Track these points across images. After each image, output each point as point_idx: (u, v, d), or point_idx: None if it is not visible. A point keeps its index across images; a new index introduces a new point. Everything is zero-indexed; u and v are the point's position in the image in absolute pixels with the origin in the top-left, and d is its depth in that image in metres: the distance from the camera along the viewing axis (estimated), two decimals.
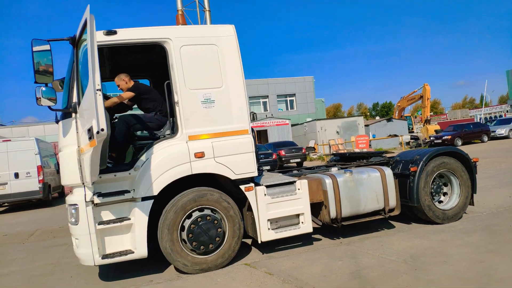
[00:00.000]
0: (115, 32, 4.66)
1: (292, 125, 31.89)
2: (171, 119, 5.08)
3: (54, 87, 5.87)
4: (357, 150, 19.43)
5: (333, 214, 5.48)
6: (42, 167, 14.34)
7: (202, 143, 4.86)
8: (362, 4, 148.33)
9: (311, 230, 5.32)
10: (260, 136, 29.09)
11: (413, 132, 38.65)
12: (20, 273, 5.76)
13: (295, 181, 5.32)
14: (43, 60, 4.16)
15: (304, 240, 5.80)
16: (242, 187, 5.02)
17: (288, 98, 41.96)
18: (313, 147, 26.33)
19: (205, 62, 4.98)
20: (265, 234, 5.08)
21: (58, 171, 17.18)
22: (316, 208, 5.58)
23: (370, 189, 5.67)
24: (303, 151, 20.43)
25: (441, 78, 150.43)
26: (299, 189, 5.28)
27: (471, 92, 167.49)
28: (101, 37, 4.57)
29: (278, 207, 5.14)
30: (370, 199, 5.66)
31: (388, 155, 6.91)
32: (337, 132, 28.15)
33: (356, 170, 5.79)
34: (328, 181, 5.49)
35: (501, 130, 27.49)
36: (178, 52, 4.85)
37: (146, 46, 5.13)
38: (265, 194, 5.08)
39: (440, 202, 6.20)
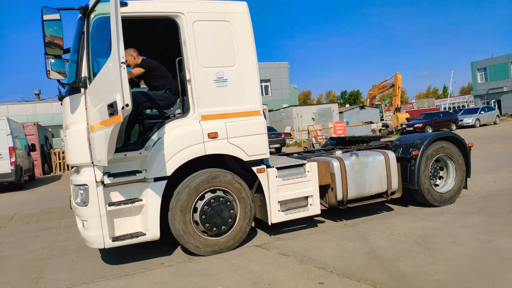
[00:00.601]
0: (125, 4, 4.39)
1: (269, 111, 31.90)
2: (182, 97, 4.90)
3: (47, 73, 5.60)
4: (340, 135, 19.72)
5: (339, 196, 5.53)
6: (14, 149, 13.65)
7: (215, 123, 4.74)
8: None
9: (319, 212, 5.36)
10: None
11: (383, 119, 39.65)
12: (13, 257, 5.47)
13: (304, 164, 5.31)
14: (53, 30, 3.89)
15: (308, 222, 5.84)
16: (254, 168, 4.96)
17: (263, 84, 41.84)
18: (289, 133, 26.49)
19: (218, 39, 4.83)
20: (276, 216, 5.06)
21: (29, 153, 16.43)
22: (322, 190, 5.61)
23: (375, 172, 5.75)
24: (282, 136, 20.51)
25: (407, 68, 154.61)
26: (308, 171, 5.28)
27: (434, 83, 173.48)
28: (105, 9, 4.29)
29: (288, 189, 5.13)
30: (375, 181, 5.75)
31: (385, 139, 7.02)
32: (313, 118, 28.42)
33: (361, 153, 5.86)
34: (335, 164, 5.52)
35: (468, 119, 28.70)
36: (191, 27, 4.66)
37: (155, 20, 4.89)
38: (276, 176, 5.05)
39: (436, 185, 6.38)
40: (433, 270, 3.73)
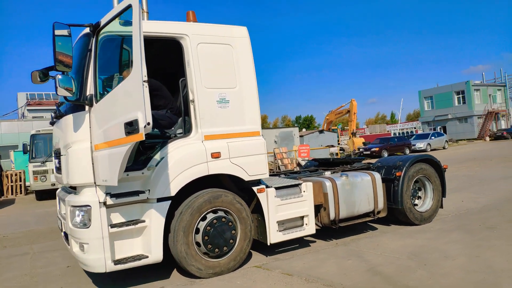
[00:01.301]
0: (129, 24, 4.40)
1: None
2: (184, 118, 4.90)
3: (33, 78, 5.42)
4: (299, 159, 20.17)
5: (332, 216, 5.69)
6: None
7: (218, 143, 4.78)
8: (287, 18, 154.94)
9: (314, 231, 5.47)
10: None
11: (339, 144, 41.02)
12: None
13: (300, 184, 5.44)
14: (63, 46, 3.82)
15: (299, 242, 5.92)
16: (255, 188, 5.02)
17: None
18: None
19: (221, 61, 4.93)
20: (274, 236, 5.11)
21: None
22: (315, 210, 5.73)
23: (363, 192, 5.99)
24: None
25: (356, 95, 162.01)
26: (304, 191, 5.42)
27: (382, 109, 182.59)
28: (114, 27, 4.29)
29: (286, 209, 5.22)
30: (363, 201, 5.99)
31: (365, 161, 7.35)
32: (275, 141, 28.84)
33: (350, 174, 6.09)
34: (328, 184, 5.70)
35: (420, 144, 30.43)
36: (195, 49, 4.74)
37: (157, 40, 4.92)
38: (275, 196, 5.13)
39: (415, 205, 6.73)
40: (436, 284, 3.94)
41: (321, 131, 36.52)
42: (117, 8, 3.81)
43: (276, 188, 5.20)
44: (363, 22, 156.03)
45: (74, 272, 5.38)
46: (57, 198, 5.56)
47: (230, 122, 4.91)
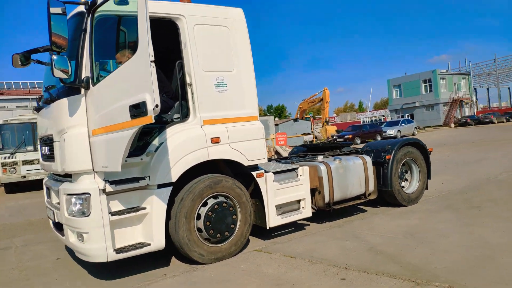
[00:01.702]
0: (126, 2, 4.21)
1: None
2: (180, 102, 4.77)
3: (14, 61, 5.15)
4: (277, 147, 20.26)
5: (327, 198, 5.74)
6: None
7: (217, 128, 4.69)
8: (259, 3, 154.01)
9: (311, 214, 5.52)
10: None
11: (312, 132, 41.53)
12: None
13: (297, 168, 5.45)
14: (59, 25, 3.61)
15: (293, 226, 5.95)
16: (254, 173, 4.98)
17: None
18: None
19: (217, 44, 4.82)
20: (273, 219, 5.11)
21: None
22: (310, 193, 5.77)
23: (355, 175, 6.08)
24: None
25: (324, 84, 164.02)
26: (301, 175, 5.43)
27: (350, 98, 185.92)
28: (111, 6, 4.10)
29: (284, 193, 5.22)
30: (355, 184, 6.07)
31: (354, 146, 7.46)
32: None
33: (343, 157, 6.15)
34: (323, 168, 5.73)
35: (391, 131, 31.27)
36: (192, 30, 4.60)
37: (152, 21, 4.73)
38: (273, 181, 5.11)
39: (402, 187, 6.90)
40: (438, 260, 4.06)
41: (295, 120, 36.83)
42: None
43: (274, 173, 5.18)
44: (330, 13, 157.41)
45: (65, 264, 5.19)
46: (44, 188, 5.32)
47: (228, 106, 4.83)
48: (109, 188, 4.05)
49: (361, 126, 31.28)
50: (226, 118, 4.79)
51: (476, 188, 7.74)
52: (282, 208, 5.26)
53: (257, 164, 5.16)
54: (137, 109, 3.39)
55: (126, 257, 4.13)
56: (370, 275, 3.82)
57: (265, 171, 5.11)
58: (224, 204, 4.68)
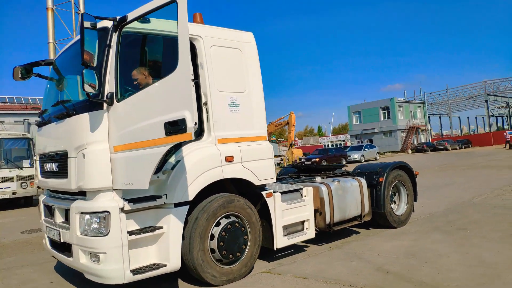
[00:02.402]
0: (149, 21, 4.24)
1: None
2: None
3: (14, 74, 5.04)
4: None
5: (328, 219, 5.86)
6: None
7: (230, 147, 4.73)
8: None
9: (314, 235, 5.60)
10: None
11: (279, 154, 42.01)
12: None
13: (301, 188, 5.55)
14: (90, 40, 3.57)
15: (293, 247, 5.98)
16: (264, 193, 5.01)
17: None
18: None
19: (231, 65, 4.91)
20: (280, 240, 5.14)
21: None
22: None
23: (353, 197, 6.26)
24: None
25: (284, 110, 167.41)
26: (305, 196, 5.53)
27: (310, 123, 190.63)
28: (138, 24, 4.10)
29: (290, 213, 5.29)
30: (353, 205, 6.25)
31: (345, 168, 7.70)
32: None
33: (341, 179, 6.33)
34: (324, 189, 5.87)
35: (355, 155, 32.35)
36: (208, 51, 4.68)
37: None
38: (281, 201, 5.17)
39: (391, 209, 7.16)
40: (447, 278, 4.24)
41: None
42: (154, 3, 3.63)
43: (281, 193, 5.25)
44: (291, 41, 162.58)
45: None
46: (41, 206, 5.07)
47: (241, 126, 4.89)
48: (127, 207, 3.95)
49: (327, 150, 32.19)
50: (238, 137, 4.84)
51: (456, 211, 8.15)
52: (288, 229, 5.30)
53: (265, 184, 5.21)
54: (174, 126, 3.38)
55: (142, 278, 4.00)
56: None
57: (273, 191, 5.16)
58: (237, 224, 4.67)
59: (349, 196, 6.20)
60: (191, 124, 3.29)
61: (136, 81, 4.43)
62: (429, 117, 62.71)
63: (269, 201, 5.06)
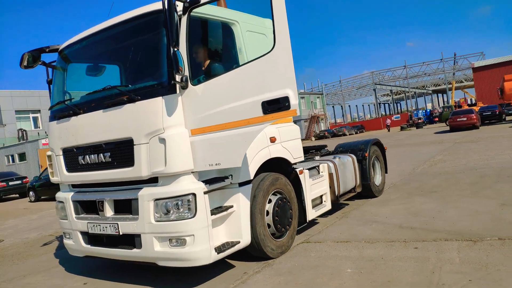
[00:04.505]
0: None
1: None
2: None
3: (22, 60, 4.80)
4: None
5: (336, 192, 6.43)
6: None
7: (271, 128, 4.96)
8: None
9: (330, 207, 6.12)
10: None
11: None
12: None
13: (318, 165, 6.02)
14: (174, 22, 3.56)
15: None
16: (298, 170, 5.36)
17: (31, 115, 37.32)
18: None
19: (261, 50, 5.10)
20: (311, 213, 5.56)
21: None
22: None
23: (350, 171, 6.94)
24: None
25: None
26: (322, 172, 6.01)
27: None
28: (208, 9, 4.16)
29: (315, 188, 5.73)
30: (350, 178, 6.93)
31: (326, 148, 8.39)
32: None
33: (340, 156, 6.94)
34: (331, 165, 6.41)
35: None
36: (245, 36, 4.84)
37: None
38: (309, 177, 5.57)
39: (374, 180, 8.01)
40: (464, 225, 5.06)
41: None
42: None
43: (307, 170, 5.65)
44: None
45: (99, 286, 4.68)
46: (69, 204, 4.72)
47: None
48: (204, 188, 3.99)
49: None
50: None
51: (413, 180, 9.34)
52: (313, 202, 5.74)
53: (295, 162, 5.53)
54: (274, 105, 3.55)
55: (224, 256, 4.10)
56: (430, 242, 4.63)
57: (303, 169, 5.54)
58: (284, 200, 4.95)
59: (348, 171, 6.86)
60: (295, 101, 3.51)
61: (211, 64, 4.39)
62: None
63: (301, 177, 5.42)
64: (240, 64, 4.01)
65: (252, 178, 4.49)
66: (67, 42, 4.93)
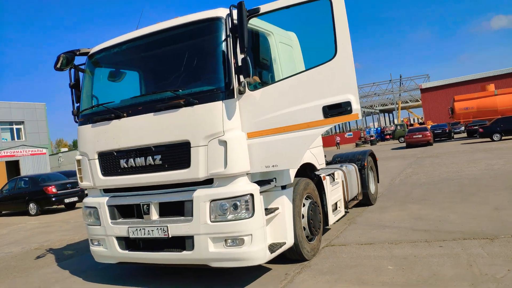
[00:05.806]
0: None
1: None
2: None
3: (57, 61, 4.85)
4: None
5: (346, 199, 6.74)
6: None
7: None
8: None
9: (344, 213, 6.41)
10: (10, 168, 23.54)
11: None
12: None
13: (333, 172, 6.31)
14: (244, 29, 3.75)
15: None
16: (322, 175, 5.60)
17: (15, 126, 35.65)
18: None
19: (289, 61, 5.39)
20: (331, 217, 5.80)
21: None
22: None
23: (354, 179, 7.30)
24: None
25: None
26: (337, 179, 6.31)
27: None
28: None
29: (334, 194, 6.00)
30: (355, 186, 7.29)
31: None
32: None
33: (345, 165, 7.30)
34: (341, 173, 6.74)
35: None
36: (279, 46, 5.09)
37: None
38: (329, 183, 5.84)
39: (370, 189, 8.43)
40: (475, 226, 5.53)
41: None
42: None
43: (328, 176, 5.92)
44: None
45: None
46: (105, 209, 4.62)
47: None
48: (259, 189, 4.12)
49: None
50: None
51: (397, 190, 9.89)
52: (331, 207, 5.99)
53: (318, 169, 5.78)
54: (335, 109, 3.80)
55: (275, 256, 4.22)
56: (451, 241, 5.02)
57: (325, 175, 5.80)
58: (315, 204, 5.17)
59: (352, 179, 7.22)
60: (356, 106, 3.77)
61: (266, 71, 4.56)
62: None
63: (324, 183, 5.67)
64: (299, 71, 4.22)
65: (292, 181, 4.67)
66: (101, 46, 4.90)
